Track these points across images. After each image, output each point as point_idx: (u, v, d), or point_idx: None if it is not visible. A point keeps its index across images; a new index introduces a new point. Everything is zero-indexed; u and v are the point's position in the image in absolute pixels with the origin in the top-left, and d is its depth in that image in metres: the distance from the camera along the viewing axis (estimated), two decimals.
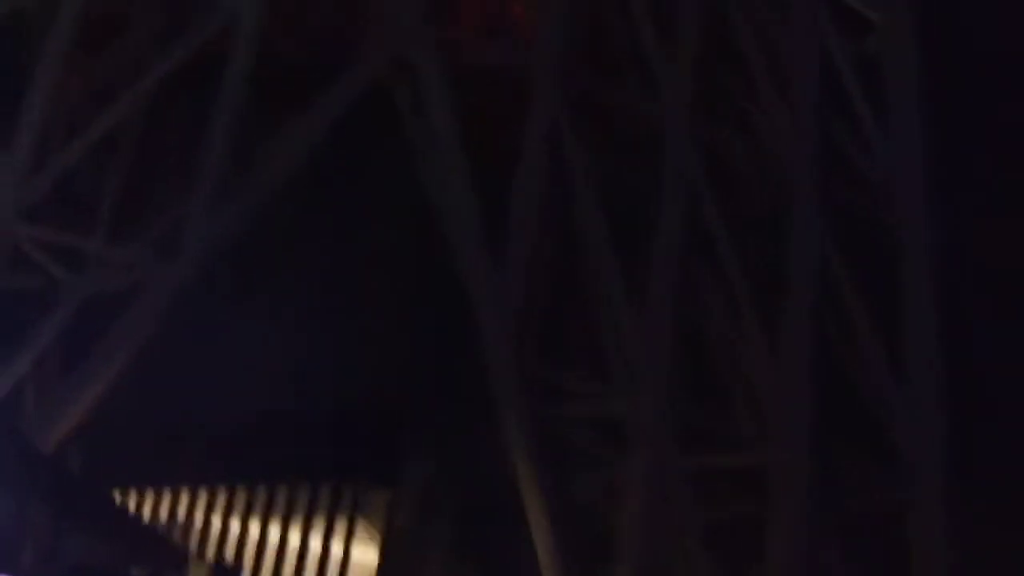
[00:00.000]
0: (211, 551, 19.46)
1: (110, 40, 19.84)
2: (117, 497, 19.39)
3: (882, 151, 21.24)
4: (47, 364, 18.88)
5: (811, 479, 19.47)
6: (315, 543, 19.32)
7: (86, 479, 18.28)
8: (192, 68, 18.59)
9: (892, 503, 20.08)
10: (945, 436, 20.20)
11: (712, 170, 20.07)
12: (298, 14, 19.85)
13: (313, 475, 19.12)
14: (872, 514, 20.28)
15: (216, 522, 19.67)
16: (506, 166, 18.97)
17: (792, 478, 19.46)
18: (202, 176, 17.83)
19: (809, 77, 20.86)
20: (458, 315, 18.59)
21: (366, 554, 19.57)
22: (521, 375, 18.59)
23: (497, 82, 19.71)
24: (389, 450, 19.28)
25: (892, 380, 20.40)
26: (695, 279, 20.11)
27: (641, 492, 18.77)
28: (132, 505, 19.63)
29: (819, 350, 20.08)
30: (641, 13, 20.06)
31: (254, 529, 19.54)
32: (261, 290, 19.47)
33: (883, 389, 20.44)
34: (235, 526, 19.56)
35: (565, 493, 18.67)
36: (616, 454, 19.22)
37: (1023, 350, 21.99)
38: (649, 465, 18.87)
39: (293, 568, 19.43)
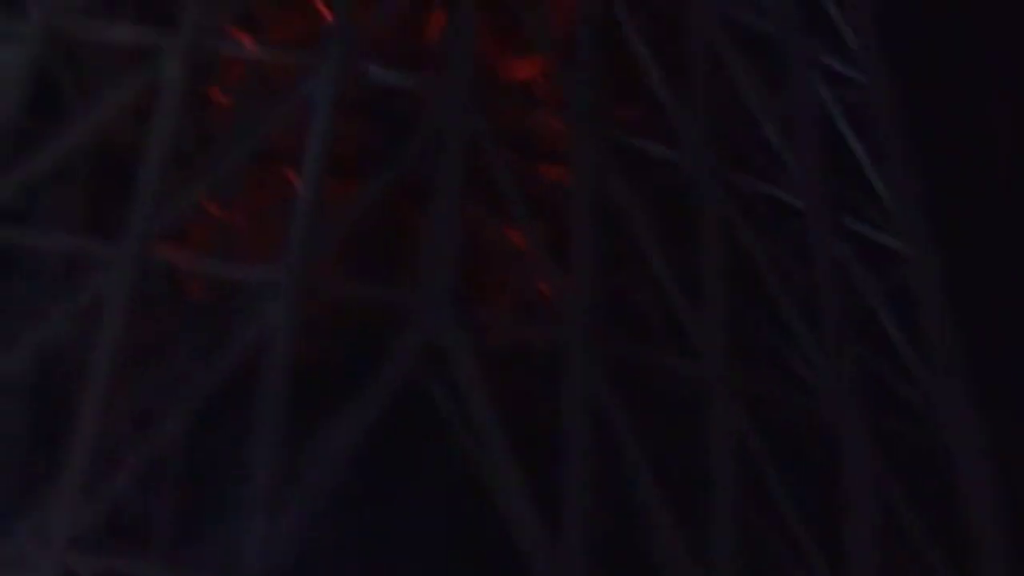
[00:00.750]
0: None
1: (152, 360, 20.18)
2: None
3: (923, 378, 21.34)
4: None
5: None
6: None
7: None
8: (233, 381, 18.79)
9: None
10: None
11: (758, 417, 20.14)
12: (333, 316, 20.23)
13: None
14: None
15: None
16: (552, 439, 19.07)
17: None
18: (251, 491, 17.89)
19: (840, 312, 21.06)
20: None
21: None
22: None
23: (533, 359, 19.96)
24: None
25: None
26: (755, 528, 20.07)
27: None
28: None
29: None
30: (664, 271, 20.37)
31: None
32: None
33: None
34: None
35: None
36: None
37: None
38: None
39: None
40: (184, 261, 20.24)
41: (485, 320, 19.99)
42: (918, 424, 21.32)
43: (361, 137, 21.40)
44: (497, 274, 21.32)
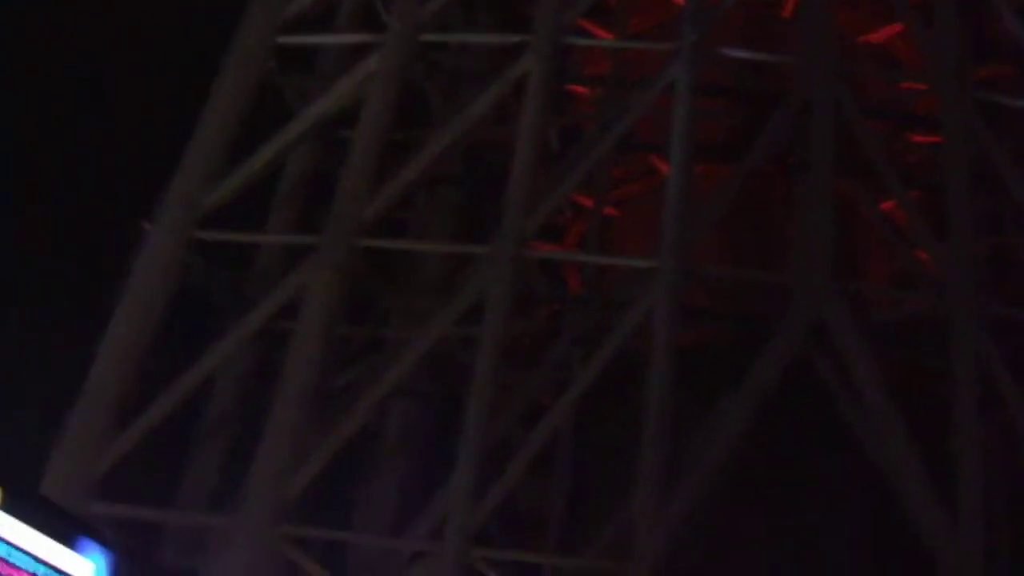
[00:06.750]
0: None
1: (535, 355, 20.47)
2: None
3: None
4: None
5: None
6: None
7: None
8: (617, 369, 18.87)
9: None
10: None
11: None
12: (712, 299, 20.18)
13: None
14: None
15: None
16: (941, 412, 18.67)
17: None
18: (641, 477, 17.91)
19: None
20: None
21: None
22: None
23: (913, 330, 19.58)
24: None
25: None
26: None
27: None
28: None
29: None
30: None
31: None
32: None
33: None
34: None
35: None
36: None
37: None
38: None
39: None
40: (561, 255, 20.47)
41: (866, 294, 19.72)
42: None
43: (726, 119, 21.36)
44: (874, 246, 20.97)
